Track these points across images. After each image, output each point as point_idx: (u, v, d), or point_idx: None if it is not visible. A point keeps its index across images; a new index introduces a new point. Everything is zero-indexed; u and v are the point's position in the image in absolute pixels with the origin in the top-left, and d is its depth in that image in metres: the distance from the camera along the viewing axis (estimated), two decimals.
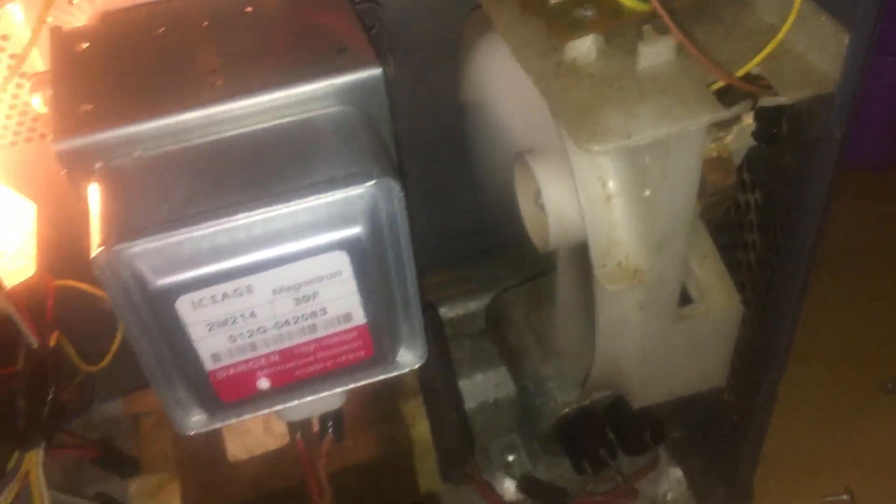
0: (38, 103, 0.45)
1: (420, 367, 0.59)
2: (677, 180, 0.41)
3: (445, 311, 0.78)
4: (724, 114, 0.39)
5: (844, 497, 0.70)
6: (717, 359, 0.52)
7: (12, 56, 0.51)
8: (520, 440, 0.72)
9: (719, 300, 0.49)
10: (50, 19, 0.47)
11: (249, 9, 0.43)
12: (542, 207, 0.51)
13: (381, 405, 0.58)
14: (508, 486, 0.69)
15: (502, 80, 0.55)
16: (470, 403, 0.70)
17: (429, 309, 0.66)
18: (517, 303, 0.72)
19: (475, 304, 0.81)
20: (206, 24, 0.43)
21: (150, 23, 0.43)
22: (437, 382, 0.59)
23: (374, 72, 0.40)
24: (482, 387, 0.76)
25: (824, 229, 0.48)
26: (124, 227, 0.35)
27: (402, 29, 0.54)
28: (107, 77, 0.40)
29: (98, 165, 0.38)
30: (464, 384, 0.71)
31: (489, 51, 0.54)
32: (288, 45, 0.41)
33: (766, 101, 0.40)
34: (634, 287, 0.45)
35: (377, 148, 0.38)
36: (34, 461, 0.49)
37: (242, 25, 0.43)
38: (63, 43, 0.42)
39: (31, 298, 0.51)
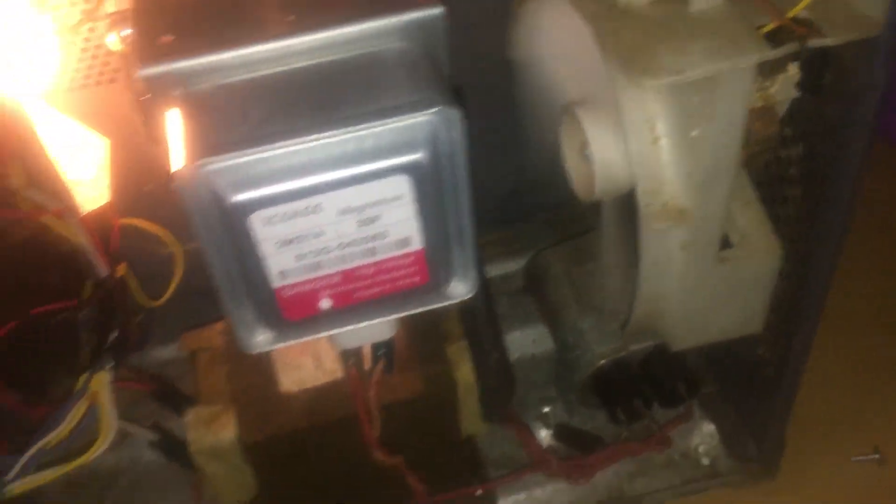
0: (114, 41, 0.48)
1: (465, 310, 0.62)
2: (725, 119, 0.43)
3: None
4: (773, 53, 0.41)
5: (875, 456, 0.72)
6: (755, 304, 0.54)
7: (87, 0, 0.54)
8: (556, 392, 0.74)
9: (760, 245, 0.51)
10: None
11: None
12: (587, 158, 0.53)
13: (426, 347, 0.60)
14: (545, 435, 0.72)
15: (553, 35, 0.57)
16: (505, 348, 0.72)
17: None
18: (556, 260, 0.74)
19: (513, 265, 0.83)
20: None
21: None
22: (481, 323, 0.61)
23: (436, 11, 0.42)
24: (520, 342, 0.79)
25: (863, 180, 0.50)
26: (205, 144, 0.37)
27: None
28: (185, 12, 0.43)
29: (177, 92, 0.40)
30: None
31: (541, 7, 0.56)
32: None
33: (814, 43, 0.42)
34: (678, 226, 0.47)
35: (439, 80, 0.40)
36: (102, 382, 0.52)
37: None
38: None
39: (99, 231, 0.54)
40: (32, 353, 0.59)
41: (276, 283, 0.41)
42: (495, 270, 0.83)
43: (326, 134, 0.37)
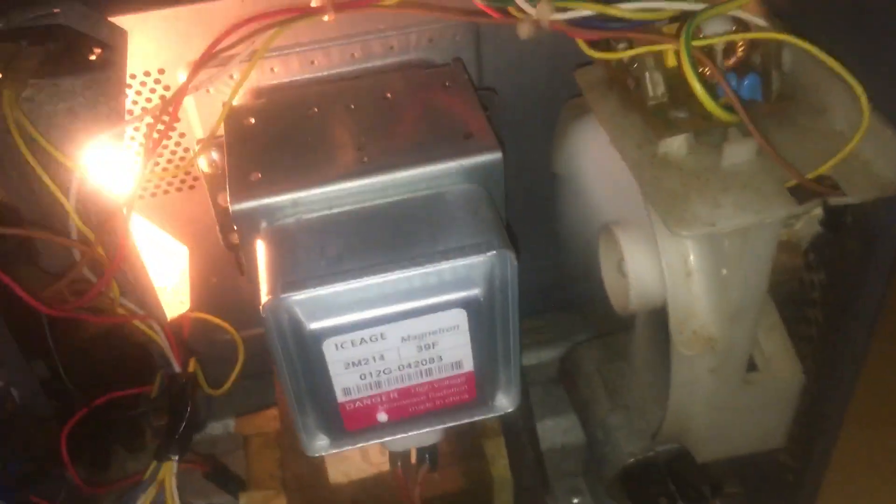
0: (204, 164, 0.53)
1: None
2: (752, 263, 0.47)
3: None
4: (798, 209, 0.45)
5: None
6: (777, 422, 0.57)
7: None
8: (585, 484, 0.77)
9: (783, 370, 0.55)
10: (211, 90, 0.55)
11: (389, 94, 0.51)
12: (624, 274, 0.57)
13: (465, 443, 0.64)
14: None
15: (595, 159, 0.61)
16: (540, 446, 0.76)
17: None
18: (589, 356, 0.77)
19: (547, 354, 0.86)
20: (352, 106, 0.50)
21: (304, 103, 0.51)
22: (518, 424, 0.65)
23: (496, 156, 0.47)
24: (551, 431, 0.82)
25: (885, 309, 0.53)
26: (288, 279, 0.42)
27: (507, 108, 0.62)
28: (272, 150, 0.48)
29: (264, 225, 0.45)
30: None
31: (585, 133, 0.61)
32: (423, 129, 0.49)
33: (834, 201, 0.46)
34: (707, 353, 0.51)
35: (496, 221, 0.45)
36: (169, 471, 0.56)
37: (383, 109, 0.50)
38: (234, 117, 0.50)
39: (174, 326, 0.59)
40: (103, 433, 0.64)
41: (341, 398, 0.46)
42: (530, 359, 0.86)
43: (396, 272, 0.42)
